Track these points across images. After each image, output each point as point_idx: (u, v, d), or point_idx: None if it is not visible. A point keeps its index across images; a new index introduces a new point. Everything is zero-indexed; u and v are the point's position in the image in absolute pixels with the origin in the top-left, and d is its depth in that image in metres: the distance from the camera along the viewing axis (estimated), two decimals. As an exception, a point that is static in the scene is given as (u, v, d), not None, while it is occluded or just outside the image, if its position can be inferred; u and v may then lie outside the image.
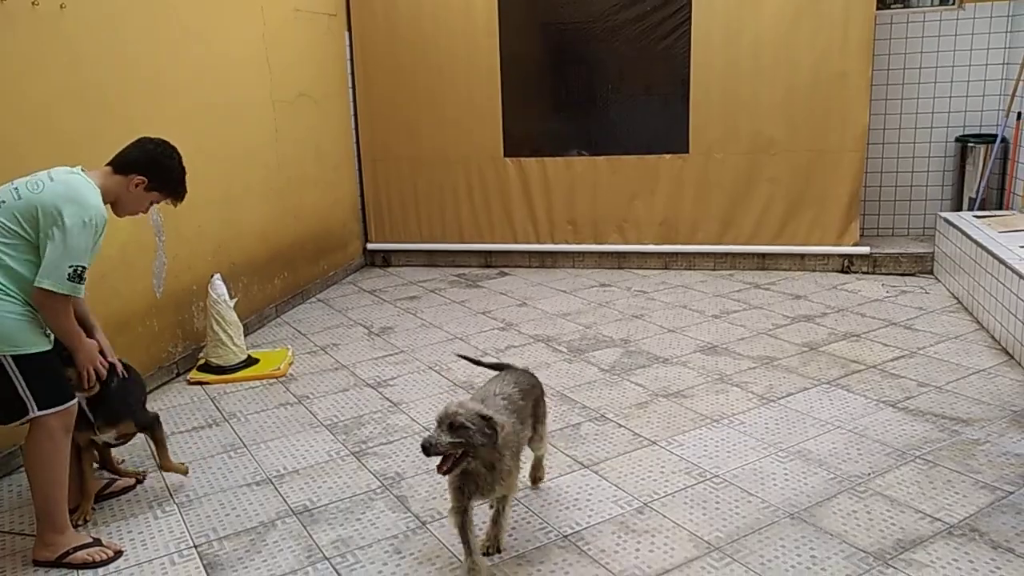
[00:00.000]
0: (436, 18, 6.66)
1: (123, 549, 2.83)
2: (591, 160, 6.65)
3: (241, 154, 5.32)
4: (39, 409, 2.65)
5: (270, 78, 5.66)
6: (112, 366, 2.96)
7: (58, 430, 2.69)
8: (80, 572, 2.70)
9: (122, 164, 2.89)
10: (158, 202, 3.00)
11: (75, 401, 2.76)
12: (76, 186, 2.70)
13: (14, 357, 2.60)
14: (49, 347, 2.71)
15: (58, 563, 2.73)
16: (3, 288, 2.60)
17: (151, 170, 2.90)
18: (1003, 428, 3.49)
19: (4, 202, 2.64)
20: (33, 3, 3.54)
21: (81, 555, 2.74)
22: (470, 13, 6.58)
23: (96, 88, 3.94)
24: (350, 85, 6.97)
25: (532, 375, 3.02)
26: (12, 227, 2.61)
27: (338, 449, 3.57)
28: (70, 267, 2.60)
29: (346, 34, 6.86)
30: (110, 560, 2.76)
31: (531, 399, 2.85)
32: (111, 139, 4.03)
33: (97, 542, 2.81)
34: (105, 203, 2.78)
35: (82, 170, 2.80)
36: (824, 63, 5.96)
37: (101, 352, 2.91)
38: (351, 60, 6.93)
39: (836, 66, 5.94)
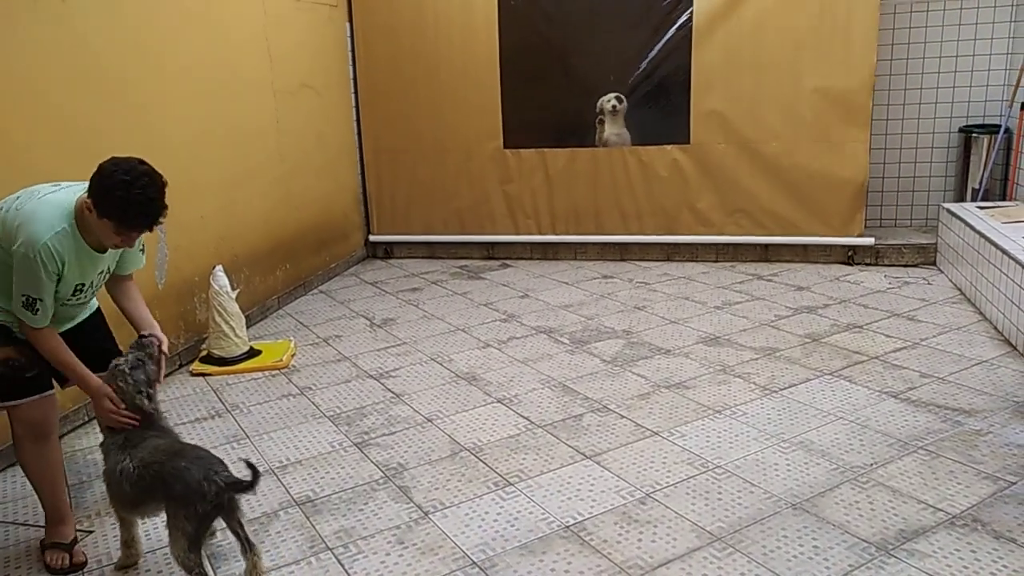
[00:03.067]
0: (437, 9, 6.65)
1: (86, 561, 2.74)
2: (592, 151, 6.64)
3: (243, 145, 5.31)
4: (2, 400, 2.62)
5: (271, 69, 5.65)
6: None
7: (24, 424, 2.66)
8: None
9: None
10: (122, 234, 2.51)
11: (31, 399, 2.64)
12: (36, 216, 2.48)
13: None
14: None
15: (40, 547, 2.77)
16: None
17: (94, 190, 2.45)
18: (1005, 419, 3.48)
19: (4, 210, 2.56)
20: (33, -7, 3.53)
21: (49, 555, 2.72)
22: (470, 4, 6.56)
23: (97, 79, 3.93)
24: (351, 76, 6.96)
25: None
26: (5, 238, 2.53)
27: (340, 440, 3.58)
28: (22, 296, 2.48)
29: (347, 25, 6.84)
30: (69, 570, 2.66)
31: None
32: (111, 128, 4.05)
33: (71, 546, 2.75)
34: (90, 234, 2.55)
35: (77, 193, 2.56)
36: (827, 52, 5.93)
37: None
38: (352, 51, 6.91)
39: (839, 55, 5.91)
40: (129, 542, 2.65)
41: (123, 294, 2.89)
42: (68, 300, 2.67)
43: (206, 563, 2.40)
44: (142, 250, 2.89)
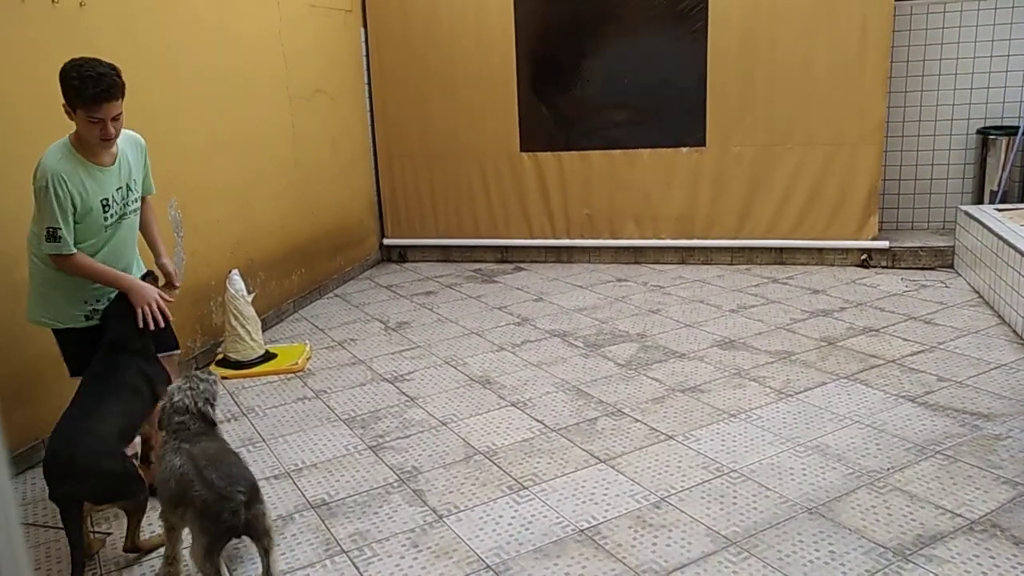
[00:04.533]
0: (451, 13, 6.67)
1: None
2: (607, 154, 6.63)
3: (258, 150, 5.35)
4: (71, 376, 3.02)
5: (286, 74, 5.69)
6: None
7: None
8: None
9: None
10: (94, 120, 2.80)
11: None
12: (47, 154, 2.86)
13: (53, 329, 3.04)
14: (78, 325, 3.01)
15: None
16: (39, 268, 2.97)
17: (63, 92, 2.79)
18: (1025, 423, 3.45)
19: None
20: (53, 1, 3.58)
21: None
22: (485, 8, 6.58)
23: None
24: (366, 80, 6.99)
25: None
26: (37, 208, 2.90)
27: (355, 443, 3.59)
28: (45, 230, 2.83)
29: (361, 30, 6.88)
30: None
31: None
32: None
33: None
34: (95, 148, 2.90)
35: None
36: (842, 55, 5.91)
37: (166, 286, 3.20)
38: (367, 55, 6.94)
39: (854, 58, 5.88)
40: (172, 559, 2.61)
41: (141, 217, 3.26)
42: (106, 221, 2.98)
43: (224, 571, 2.39)
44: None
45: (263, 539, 2.42)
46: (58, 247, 2.84)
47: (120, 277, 3.00)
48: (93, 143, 2.88)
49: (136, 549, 2.78)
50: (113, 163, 2.99)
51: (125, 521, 2.77)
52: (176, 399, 2.63)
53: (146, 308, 2.97)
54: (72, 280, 2.96)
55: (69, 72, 2.76)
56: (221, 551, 2.40)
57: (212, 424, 2.65)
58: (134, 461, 2.96)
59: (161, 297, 3.05)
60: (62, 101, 2.81)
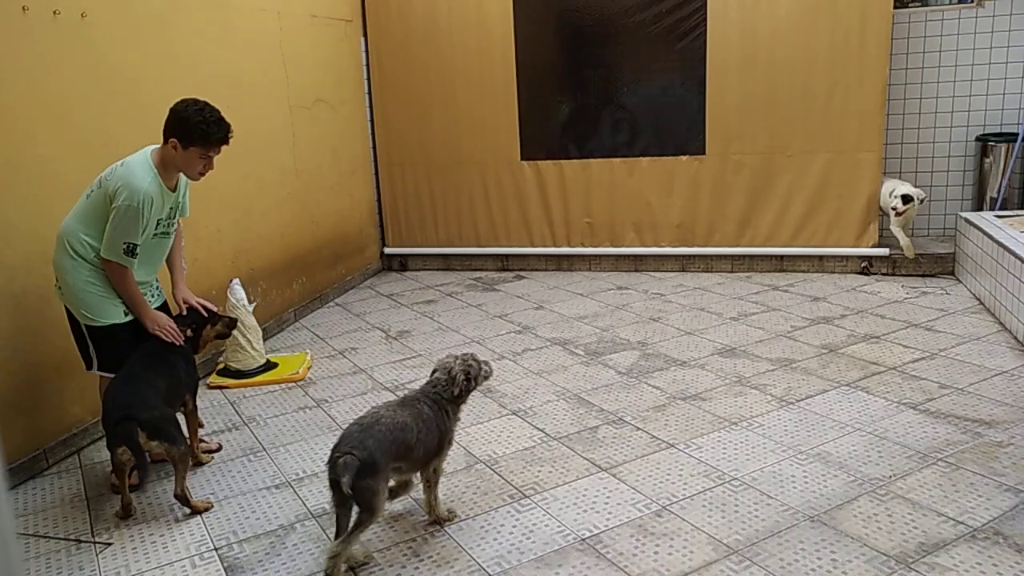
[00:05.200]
0: (451, 23, 6.69)
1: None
2: (608, 162, 6.65)
3: (259, 159, 5.36)
4: (99, 370, 3.27)
5: (287, 84, 5.71)
6: (195, 310, 3.52)
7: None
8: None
9: (163, 133, 3.18)
10: (205, 156, 3.19)
11: None
12: (132, 170, 3.10)
13: (87, 325, 3.20)
14: (120, 320, 3.22)
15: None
16: (85, 267, 3.14)
17: (175, 129, 3.12)
18: (1027, 430, 3.44)
19: (92, 191, 3.15)
20: (55, 12, 3.59)
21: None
22: (485, 18, 6.60)
23: (113, 93, 4.00)
24: (366, 90, 7.01)
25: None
26: (94, 214, 3.12)
27: (356, 452, 3.58)
28: (124, 244, 3.09)
29: (362, 40, 6.90)
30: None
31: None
32: (128, 141, 4.10)
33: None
34: (172, 174, 3.22)
35: (146, 153, 3.20)
36: (840, 63, 5.93)
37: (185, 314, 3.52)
38: (367, 65, 6.97)
39: (853, 66, 5.90)
40: (429, 504, 2.94)
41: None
42: (154, 233, 3.26)
43: (340, 522, 2.60)
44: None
45: (361, 512, 2.58)
46: (130, 261, 3.15)
47: (142, 304, 3.27)
48: (190, 174, 3.25)
49: (183, 499, 3.06)
50: (175, 187, 3.32)
51: (128, 533, 2.76)
52: (453, 369, 2.91)
53: (160, 332, 3.29)
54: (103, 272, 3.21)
55: (193, 116, 3.10)
56: (342, 505, 2.57)
57: (456, 400, 2.92)
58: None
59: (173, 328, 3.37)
60: (166, 144, 3.15)
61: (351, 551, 2.62)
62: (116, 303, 3.25)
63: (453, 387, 2.88)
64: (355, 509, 2.57)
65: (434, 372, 2.96)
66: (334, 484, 2.55)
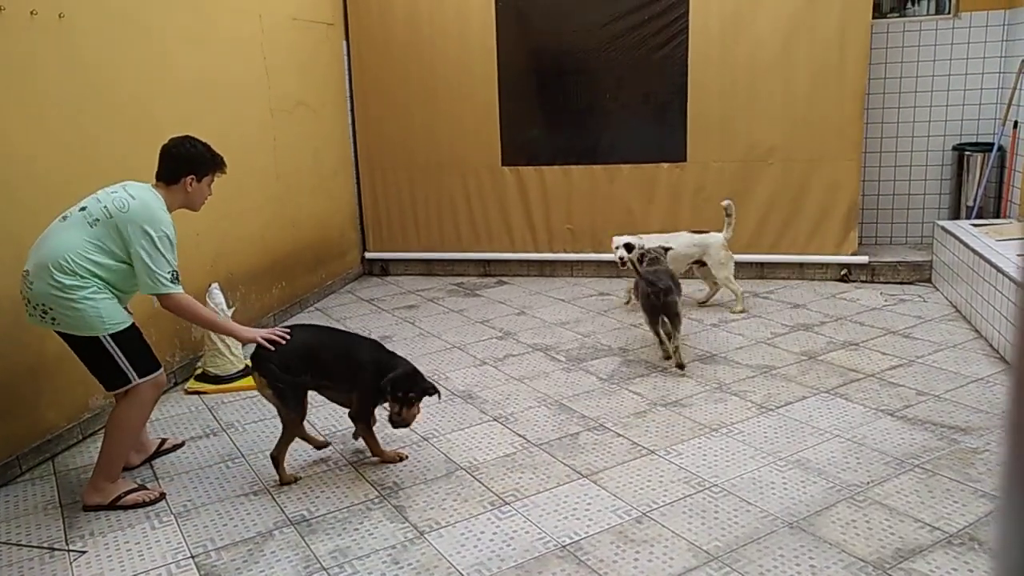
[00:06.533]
0: (433, 28, 6.68)
1: (165, 492, 3.27)
2: (589, 169, 6.66)
3: (239, 163, 5.26)
4: (139, 377, 3.14)
5: (268, 86, 5.67)
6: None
7: (148, 401, 3.21)
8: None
9: (171, 176, 3.27)
10: (212, 181, 3.40)
11: (162, 370, 3.22)
12: (152, 207, 3.14)
13: (111, 334, 3.06)
14: (131, 322, 3.17)
15: (111, 506, 3.14)
16: (94, 282, 3.04)
17: (191, 166, 3.28)
18: (1002, 437, 3.48)
19: (99, 220, 3.06)
20: (32, 13, 3.55)
21: (132, 497, 3.16)
22: (467, 23, 6.60)
23: (91, 94, 3.95)
24: (348, 94, 6.98)
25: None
26: (106, 242, 3.06)
27: (336, 459, 3.56)
28: (169, 272, 3.12)
29: (344, 43, 6.88)
30: (157, 500, 3.20)
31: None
32: (104, 141, 4.06)
33: (142, 487, 3.25)
34: (172, 211, 3.25)
35: (152, 187, 3.25)
36: (820, 71, 5.98)
37: None
38: (349, 69, 6.94)
39: (832, 75, 5.96)
40: (661, 343, 4.68)
41: None
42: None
43: (663, 337, 4.61)
44: None
45: (673, 319, 4.44)
46: (179, 287, 3.18)
47: (227, 322, 3.57)
48: (199, 204, 3.41)
49: (276, 462, 3.32)
50: None
51: (103, 541, 2.72)
52: (650, 251, 4.96)
53: (265, 339, 3.27)
54: (112, 288, 3.13)
55: (202, 151, 3.31)
56: (657, 323, 4.55)
57: (658, 259, 4.89)
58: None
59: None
60: (187, 177, 3.26)
61: None
62: (123, 304, 3.22)
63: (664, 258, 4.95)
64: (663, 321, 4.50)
65: (645, 257, 4.90)
66: (655, 308, 4.43)
